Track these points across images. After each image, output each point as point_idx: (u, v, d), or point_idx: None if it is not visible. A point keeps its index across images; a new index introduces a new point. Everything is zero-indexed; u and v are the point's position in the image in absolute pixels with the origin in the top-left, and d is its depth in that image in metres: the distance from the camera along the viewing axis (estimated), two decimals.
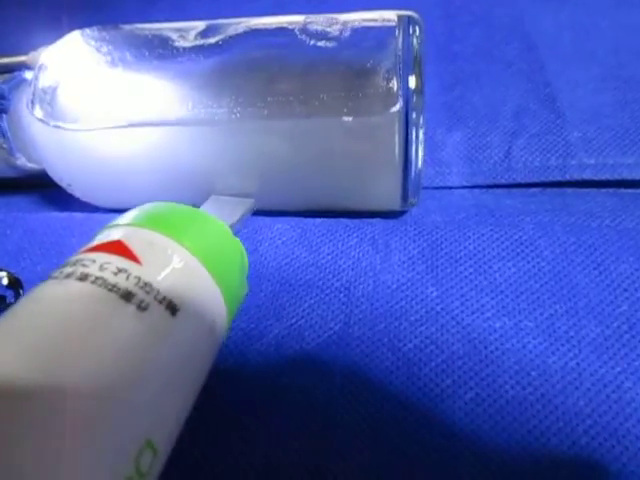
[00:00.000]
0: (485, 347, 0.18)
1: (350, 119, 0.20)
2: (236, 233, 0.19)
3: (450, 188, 0.26)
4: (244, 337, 0.20)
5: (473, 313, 0.19)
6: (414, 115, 0.20)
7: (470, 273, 0.20)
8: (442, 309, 0.20)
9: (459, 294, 0.20)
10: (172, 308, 0.14)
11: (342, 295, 0.20)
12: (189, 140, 0.21)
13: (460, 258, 0.21)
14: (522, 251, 0.21)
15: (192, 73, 0.21)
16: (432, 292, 0.20)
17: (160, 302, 0.14)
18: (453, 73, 0.29)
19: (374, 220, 0.23)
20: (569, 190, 0.25)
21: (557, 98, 0.27)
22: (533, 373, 0.18)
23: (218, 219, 0.18)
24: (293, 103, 0.20)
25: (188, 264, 0.15)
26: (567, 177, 0.25)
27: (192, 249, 0.15)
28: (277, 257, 0.22)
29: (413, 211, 0.25)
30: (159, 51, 0.22)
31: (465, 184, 0.26)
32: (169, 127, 0.21)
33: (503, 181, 0.25)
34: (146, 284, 0.14)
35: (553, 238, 0.21)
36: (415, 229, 0.23)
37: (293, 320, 0.20)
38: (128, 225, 0.16)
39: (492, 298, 0.20)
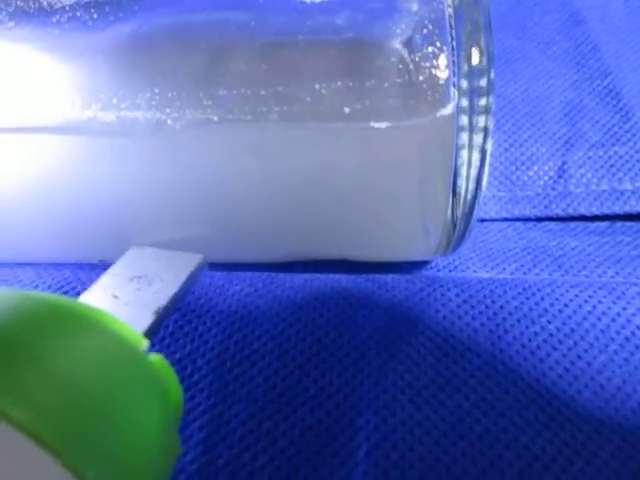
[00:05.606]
0: None
1: (363, 125, 0.11)
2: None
3: (483, 221, 0.18)
4: None
5: None
6: (479, 118, 0.11)
7: (572, 379, 0.12)
8: None
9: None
10: None
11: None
12: (84, 157, 0.12)
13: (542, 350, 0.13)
14: None
15: (80, 45, 0.12)
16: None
17: None
18: None
19: (387, 278, 0.15)
20: None
21: (622, 92, 0.19)
22: None
23: (116, 318, 0.09)
24: (264, 98, 0.11)
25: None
26: None
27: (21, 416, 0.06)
28: (220, 354, 0.13)
29: (439, 260, 0.16)
30: (20, 6, 0.12)
31: (505, 215, 0.18)
32: (45, 135, 0.12)
33: (560, 212, 0.18)
34: None
35: None
36: (459, 295, 0.14)
37: None
38: None
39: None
